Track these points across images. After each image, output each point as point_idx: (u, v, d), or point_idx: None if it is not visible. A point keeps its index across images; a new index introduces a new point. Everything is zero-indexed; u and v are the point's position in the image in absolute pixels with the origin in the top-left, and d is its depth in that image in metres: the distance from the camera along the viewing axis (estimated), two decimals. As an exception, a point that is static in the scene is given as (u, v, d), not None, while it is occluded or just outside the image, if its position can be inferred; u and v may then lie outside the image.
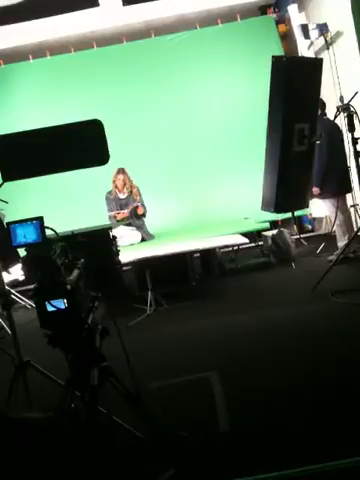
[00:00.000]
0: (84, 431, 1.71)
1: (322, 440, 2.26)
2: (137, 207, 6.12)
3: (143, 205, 6.22)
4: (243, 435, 2.45)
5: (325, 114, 5.59)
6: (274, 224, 6.68)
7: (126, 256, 4.59)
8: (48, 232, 1.87)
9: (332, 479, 1.99)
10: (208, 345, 3.78)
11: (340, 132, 5.52)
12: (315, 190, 5.55)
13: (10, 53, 7.18)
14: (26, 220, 1.83)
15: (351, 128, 4.51)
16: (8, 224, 1.84)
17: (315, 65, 5.22)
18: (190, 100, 7.26)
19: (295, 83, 4.96)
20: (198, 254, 5.89)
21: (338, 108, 4.66)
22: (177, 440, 2.16)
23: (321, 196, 5.65)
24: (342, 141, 5.43)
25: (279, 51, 7.08)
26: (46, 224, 1.85)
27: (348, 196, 5.71)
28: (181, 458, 2.12)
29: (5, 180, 2.14)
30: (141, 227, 6.17)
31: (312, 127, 5.19)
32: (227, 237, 5.52)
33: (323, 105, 5.57)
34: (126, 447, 2.24)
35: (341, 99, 5.78)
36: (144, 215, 6.20)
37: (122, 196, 6.23)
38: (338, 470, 1.98)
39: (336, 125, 5.44)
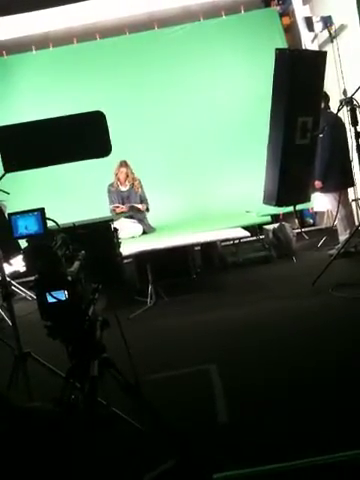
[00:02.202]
0: (83, 422, 1.72)
1: (321, 433, 2.27)
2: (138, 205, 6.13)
3: (145, 199, 6.23)
4: (241, 426, 2.46)
5: (328, 107, 5.56)
6: (276, 218, 6.67)
7: (127, 249, 4.59)
8: (49, 223, 1.87)
9: (330, 472, 2.00)
10: (208, 338, 3.79)
11: (343, 126, 5.49)
12: (317, 184, 5.53)
13: (13, 44, 7.15)
14: (27, 211, 1.83)
15: (354, 122, 4.48)
16: (9, 215, 1.84)
17: (319, 58, 5.18)
18: (192, 92, 7.22)
19: (298, 76, 4.93)
20: (199, 247, 5.88)
21: (341, 101, 4.64)
22: (176, 431, 2.17)
23: (323, 190, 5.63)
24: (345, 135, 5.41)
25: (282, 44, 7.03)
26: (47, 215, 1.84)
27: (350, 190, 5.69)
28: (180, 449, 2.13)
29: (7, 171, 2.14)
30: (142, 220, 6.18)
31: (315, 120, 5.16)
32: (228, 230, 5.52)
33: (326, 98, 5.54)
34: (125, 438, 2.25)
35: (344, 92, 5.75)
36: (147, 210, 6.21)
37: (124, 189, 6.23)
38: (336, 462, 1.99)
39: (339, 119, 5.41)
